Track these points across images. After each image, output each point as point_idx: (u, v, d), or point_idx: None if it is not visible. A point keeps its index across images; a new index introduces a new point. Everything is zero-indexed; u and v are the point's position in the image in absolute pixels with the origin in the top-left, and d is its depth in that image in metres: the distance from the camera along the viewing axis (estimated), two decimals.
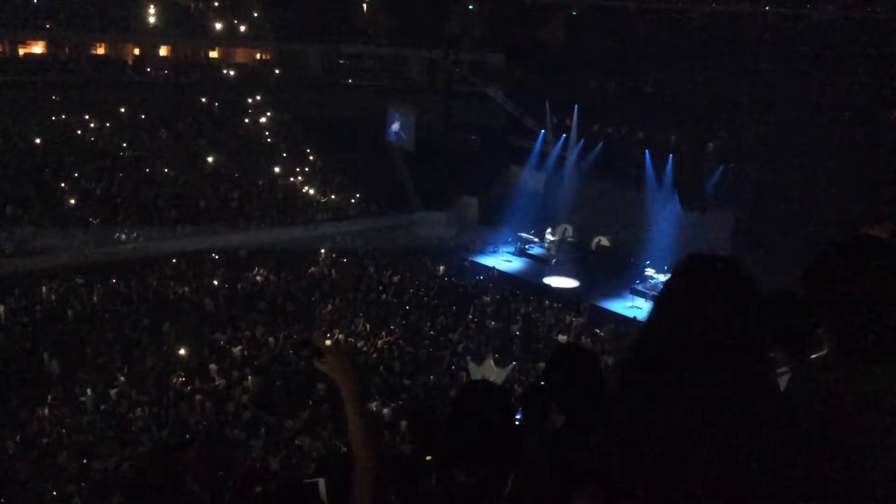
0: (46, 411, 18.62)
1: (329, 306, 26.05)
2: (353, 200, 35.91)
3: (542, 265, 32.11)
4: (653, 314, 1.72)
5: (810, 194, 25.86)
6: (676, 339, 1.60)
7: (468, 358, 19.42)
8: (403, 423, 17.89)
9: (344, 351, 2.68)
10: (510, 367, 17.28)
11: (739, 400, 1.53)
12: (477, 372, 16.49)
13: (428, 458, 3.73)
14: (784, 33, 31.19)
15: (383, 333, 24.08)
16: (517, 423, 3.14)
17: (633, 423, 1.59)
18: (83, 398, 19.23)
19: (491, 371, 16.52)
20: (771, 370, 1.67)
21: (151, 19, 38.98)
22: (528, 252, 33.28)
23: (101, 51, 39.21)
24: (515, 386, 18.28)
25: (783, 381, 1.97)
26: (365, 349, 22.97)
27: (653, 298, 26.10)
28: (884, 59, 27.00)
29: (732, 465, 1.48)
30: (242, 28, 41.47)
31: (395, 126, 38.35)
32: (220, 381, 20.34)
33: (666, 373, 1.59)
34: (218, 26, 40.87)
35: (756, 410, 1.52)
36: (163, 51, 40.54)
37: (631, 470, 1.56)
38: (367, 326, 24.52)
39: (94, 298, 25.23)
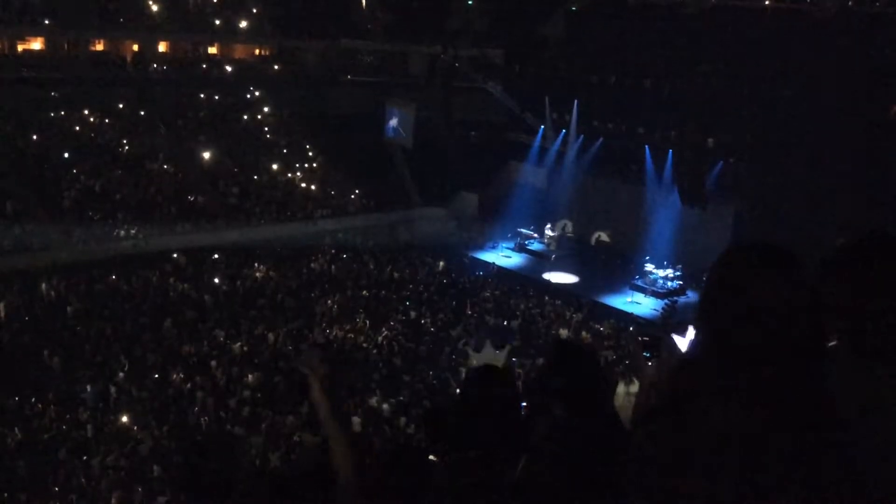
0: (47, 408, 18.61)
1: (329, 302, 26.05)
2: (352, 196, 35.90)
3: (541, 261, 32.11)
4: (711, 306, 1.67)
5: (810, 190, 25.86)
6: (742, 332, 1.57)
7: (467, 347, 19.53)
8: (403, 420, 17.98)
9: (319, 365, 2.74)
10: (507, 349, 17.47)
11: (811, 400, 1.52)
12: (477, 358, 16.66)
13: (437, 453, 3.74)
14: (784, 28, 31.14)
15: (383, 329, 24.08)
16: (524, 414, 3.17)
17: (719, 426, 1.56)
18: (83, 395, 19.23)
19: (491, 356, 16.67)
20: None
21: (150, 15, 38.91)
22: (528, 248, 33.29)
23: (100, 47, 39.13)
24: (517, 370, 18.38)
25: None
26: (365, 345, 22.98)
27: (653, 294, 25.96)
28: (884, 54, 26.97)
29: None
30: (242, 24, 41.39)
31: (394, 122, 38.30)
32: (220, 378, 20.33)
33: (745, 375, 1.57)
34: (217, 22, 40.80)
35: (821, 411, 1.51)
36: (162, 47, 40.47)
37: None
38: (368, 322, 24.52)
39: (94, 295, 25.22)
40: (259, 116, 38.88)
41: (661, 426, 1.67)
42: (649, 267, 28.66)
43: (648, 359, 3.14)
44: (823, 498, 1.47)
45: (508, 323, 25.22)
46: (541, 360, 20.11)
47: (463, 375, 20.62)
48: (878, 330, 1.71)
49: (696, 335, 1.70)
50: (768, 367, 1.53)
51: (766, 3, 33.23)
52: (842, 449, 1.51)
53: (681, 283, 28.51)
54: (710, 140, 31.03)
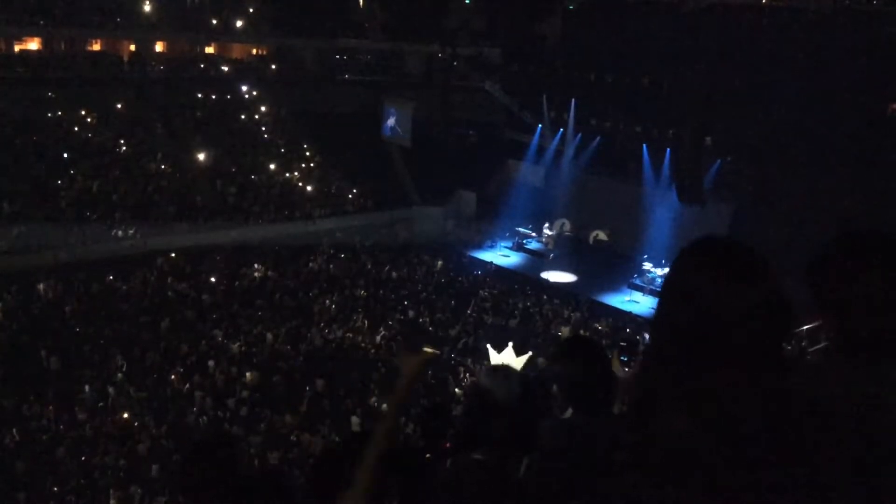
0: (45, 408, 18.59)
1: (327, 302, 26.04)
2: (350, 196, 35.88)
3: (539, 260, 32.12)
4: (663, 307, 1.65)
5: (808, 187, 25.87)
6: (692, 333, 1.55)
7: (487, 344, 19.56)
8: (402, 419, 17.98)
9: (418, 363, 2.71)
10: (528, 355, 17.54)
11: (762, 398, 1.50)
12: (497, 359, 16.72)
13: (434, 451, 3.74)
14: (782, 25, 31.16)
15: (382, 329, 24.08)
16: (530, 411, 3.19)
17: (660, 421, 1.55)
18: (82, 395, 19.21)
19: (511, 358, 16.70)
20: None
21: (147, 15, 38.86)
22: (526, 247, 33.29)
23: (96, 47, 39.09)
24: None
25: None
26: (363, 344, 22.97)
27: (651, 292, 25.97)
28: (882, 51, 26.97)
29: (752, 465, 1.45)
30: (239, 23, 41.36)
31: (392, 121, 38.29)
32: (218, 378, 20.32)
33: (687, 371, 1.55)
34: (214, 22, 40.76)
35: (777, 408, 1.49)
36: (159, 46, 40.43)
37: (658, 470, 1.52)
38: (366, 322, 24.51)
39: (92, 295, 25.19)
40: (257, 116, 38.86)
41: (623, 431, 1.66)
42: (647, 265, 28.66)
43: (626, 363, 3.15)
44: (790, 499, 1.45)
45: (507, 322, 25.22)
46: (540, 359, 20.22)
47: (463, 375, 20.65)
48: (869, 327, 1.70)
49: (650, 338, 1.69)
50: (715, 372, 1.51)
51: (764, 0, 33.25)
52: (813, 448, 1.49)
53: None
54: (708, 138, 31.03)
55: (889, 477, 1.51)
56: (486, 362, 18.39)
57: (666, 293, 1.62)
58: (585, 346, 3.14)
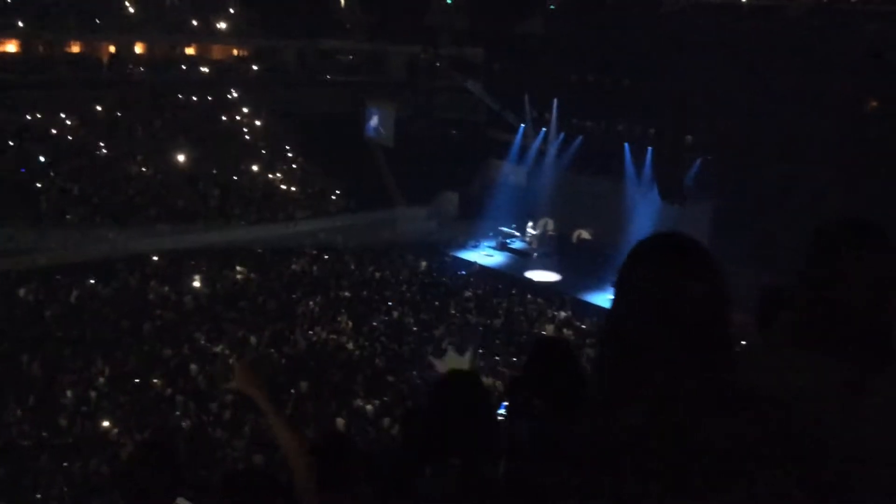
0: (27, 414, 18.41)
1: (311, 303, 25.95)
2: (333, 197, 35.77)
3: (523, 259, 32.15)
4: (614, 300, 1.67)
5: (789, 186, 26.04)
6: (639, 325, 1.55)
7: (430, 356, 19.61)
8: (387, 420, 17.94)
9: (249, 368, 2.65)
10: (469, 353, 17.72)
11: (706, 392, 1.50)
12: (441, 365, 16.87)
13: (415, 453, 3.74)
14: (763, 24, 31.34)
15: (365, 330, 24.02)
16: (503, 413, 3.23)
17: (604, 419, 1.56)
18: (63, 400, 19.03)
19: (455, 360, 16.85)
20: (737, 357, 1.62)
21: (127, 17, 38.60)
22: (510, 246, 33.31)
23: (76, 49, 38.77)
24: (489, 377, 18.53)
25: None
26: (347, 346, 22.91)
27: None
28: (860, 48, 27.19)
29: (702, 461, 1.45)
30: (219, 24, 41.15)
31: (375, 122, 38.22)
32: (201, 381, 20.20)
33: (631, 362, 1.56)
34: (195, 23, 40.53)
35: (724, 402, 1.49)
36: (138, 48, 40.15)
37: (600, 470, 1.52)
38: (349, 323, 24.45)
39: (73, 299, 24.98)
40: (238, 117, 38.66)
41: (587, 426, 1.67)
42: None
43: None
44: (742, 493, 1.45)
45: (491, 322, 25.23)
46: (469, 353, 20.37)
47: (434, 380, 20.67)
48: (831, 320, 1.70)
49: (605, 332, 1.70)
50: (662, 363, 1.51)
51: (744, 0, 33.42)
52: (762, 439, 1.48)
53: None
54: (689, 136, 31.18)
55: (827, 470, 1.51)
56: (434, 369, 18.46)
57: (616, 289, 1.64)
58: (552, 347, 3.17)
